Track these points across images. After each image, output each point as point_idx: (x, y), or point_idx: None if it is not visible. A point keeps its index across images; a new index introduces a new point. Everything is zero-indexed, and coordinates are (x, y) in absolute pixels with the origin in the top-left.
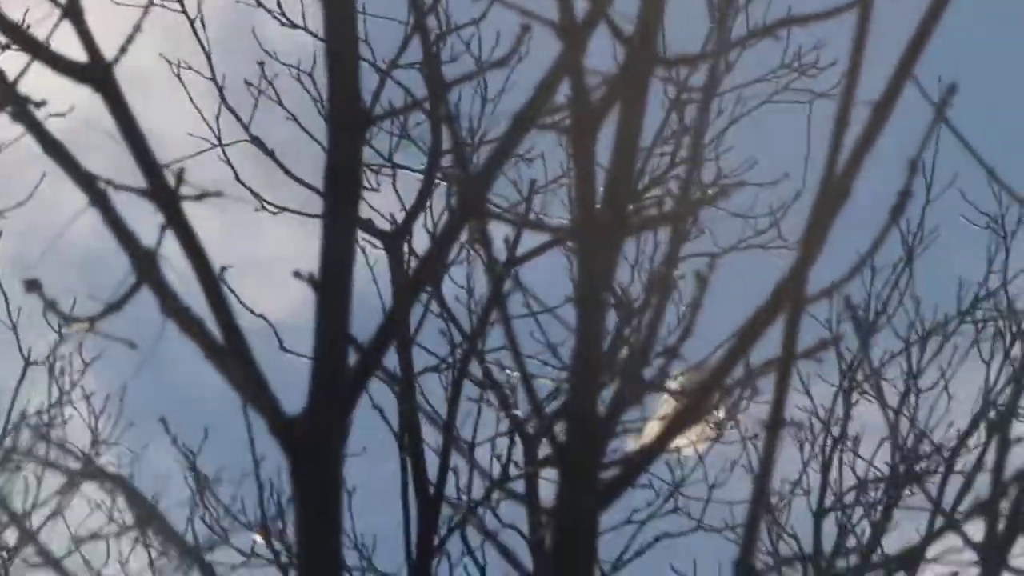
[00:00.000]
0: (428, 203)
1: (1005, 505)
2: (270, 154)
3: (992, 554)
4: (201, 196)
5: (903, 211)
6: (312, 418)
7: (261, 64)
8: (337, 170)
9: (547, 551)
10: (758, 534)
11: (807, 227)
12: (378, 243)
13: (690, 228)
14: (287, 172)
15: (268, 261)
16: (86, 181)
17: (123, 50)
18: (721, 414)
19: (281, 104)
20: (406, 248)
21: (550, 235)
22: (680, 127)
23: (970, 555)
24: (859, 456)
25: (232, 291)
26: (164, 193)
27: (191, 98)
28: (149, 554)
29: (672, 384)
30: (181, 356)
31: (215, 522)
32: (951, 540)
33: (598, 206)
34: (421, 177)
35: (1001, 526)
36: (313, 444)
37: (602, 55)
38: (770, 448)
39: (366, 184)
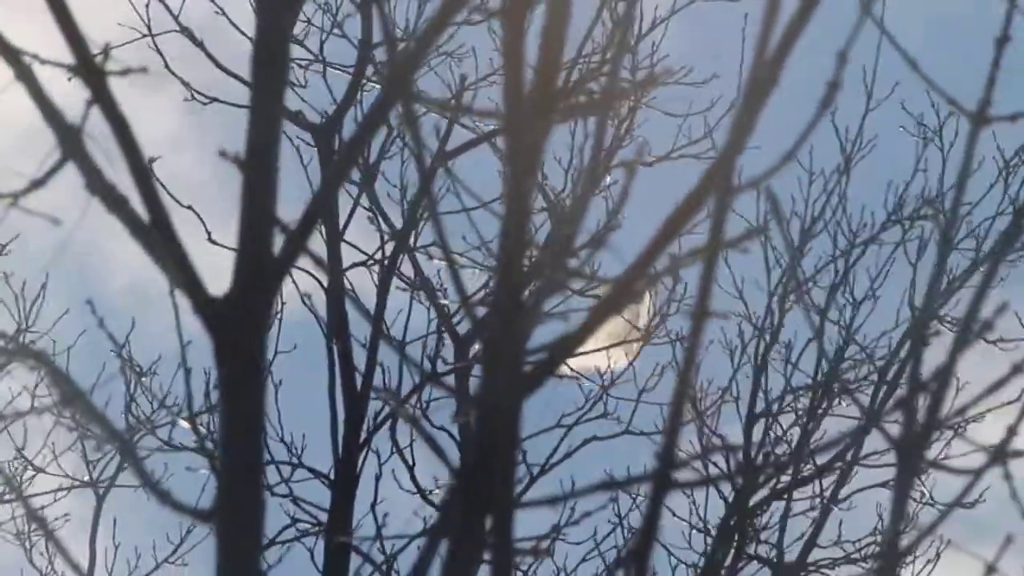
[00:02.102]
0: (358, 97)
1: (923, 403)
2: (199, 44)
3: (909, 450)
4: (126, 72)
5: (831, 102)
6: (236, 297)
7: None
8: (265, 44)
9: (470, 438)
10: (681, 424)
11: (736, 113)
12: (308, 137)
13: (618, 119)
14: (215, 63)
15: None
16: (12, 55)
17: None
18: (647, 312)
19: None
20: (336, 142)
21: (478, 119)
22: (610, 19)
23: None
24: (790, 363)
25: (160, 183)
26: (90, 68)
27: None
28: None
29: (597, 272)
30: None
31: (141, 412)
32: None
33: (527, 89)
34: (351, 73)
35: (918, 423)
36: (237, 323)
37: None
38: (695, 338)
39: (296, 80)
